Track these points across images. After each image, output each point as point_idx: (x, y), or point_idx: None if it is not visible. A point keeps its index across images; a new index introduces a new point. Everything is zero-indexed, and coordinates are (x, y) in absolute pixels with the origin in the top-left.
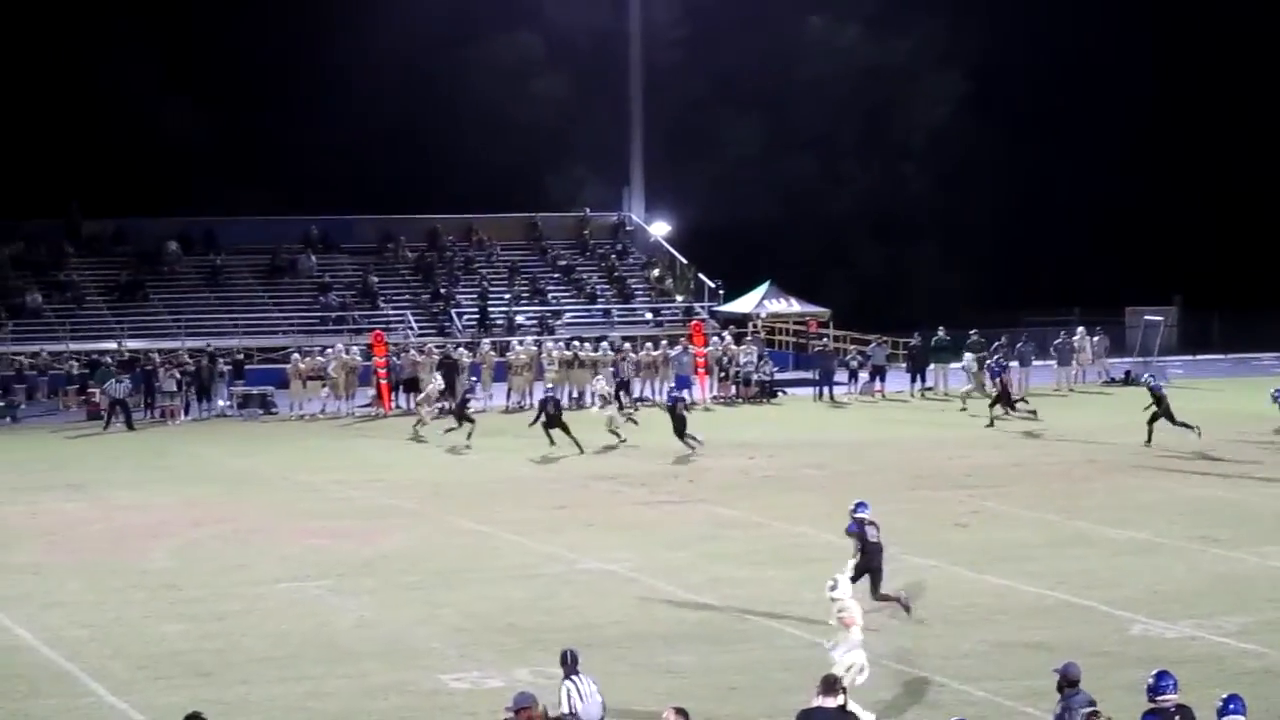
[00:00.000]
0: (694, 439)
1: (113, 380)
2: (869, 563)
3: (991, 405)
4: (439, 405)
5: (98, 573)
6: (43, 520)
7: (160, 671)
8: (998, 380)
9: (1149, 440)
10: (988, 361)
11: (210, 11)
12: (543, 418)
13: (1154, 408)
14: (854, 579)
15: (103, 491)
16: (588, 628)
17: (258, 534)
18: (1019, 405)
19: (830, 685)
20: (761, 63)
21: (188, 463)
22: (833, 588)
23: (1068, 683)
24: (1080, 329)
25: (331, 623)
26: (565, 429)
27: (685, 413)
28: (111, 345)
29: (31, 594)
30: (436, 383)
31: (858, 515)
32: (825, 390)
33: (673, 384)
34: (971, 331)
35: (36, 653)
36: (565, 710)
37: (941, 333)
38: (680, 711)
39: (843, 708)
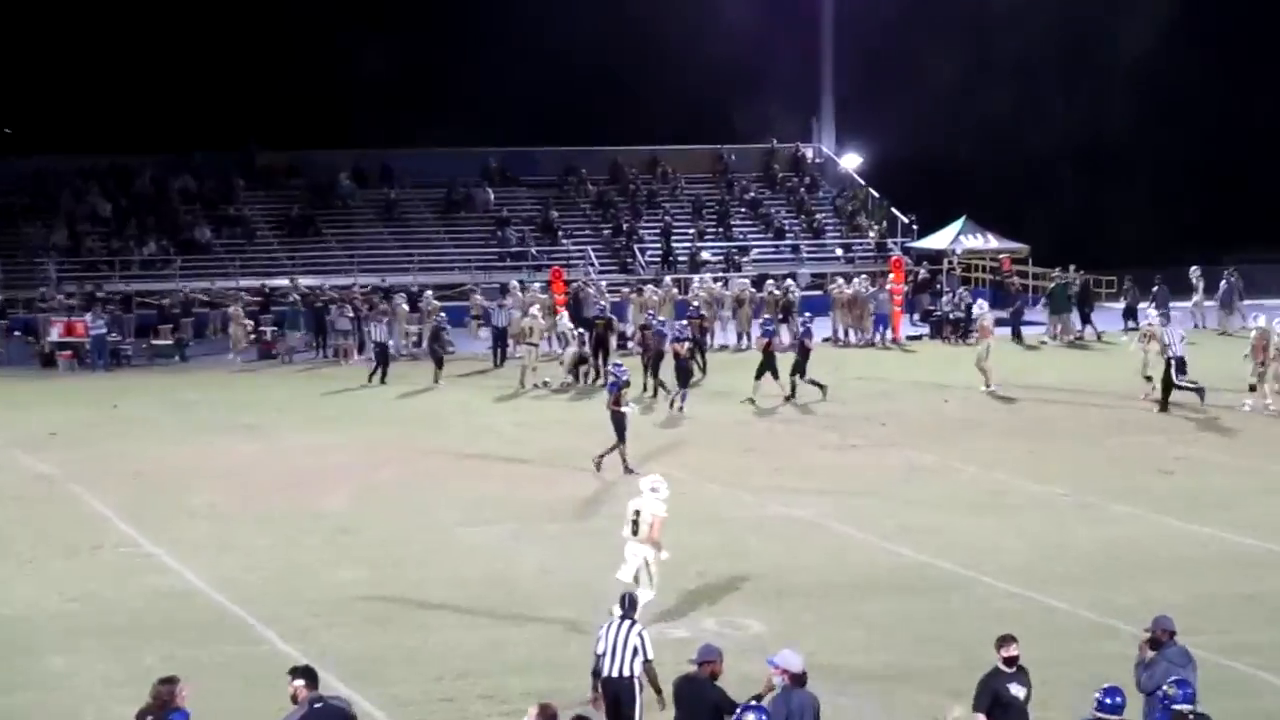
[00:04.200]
0: (812, 383)
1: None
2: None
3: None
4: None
5: (272, 517)
6: (216, 462)
7: (335, 618)
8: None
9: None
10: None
11: None
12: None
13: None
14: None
15: (277, 433)
16: (776, 576)
17: (436, 477)
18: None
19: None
20: None
21: (363, 403)
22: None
23: (1166, 635)
24: (1194, 268)
25: (512, 568)
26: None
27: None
28: (283, 282)
29: (205, 538)
30: (537, 320)
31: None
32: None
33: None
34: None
35: (210, 598)
36: None
37: (1070, 274)
38: None
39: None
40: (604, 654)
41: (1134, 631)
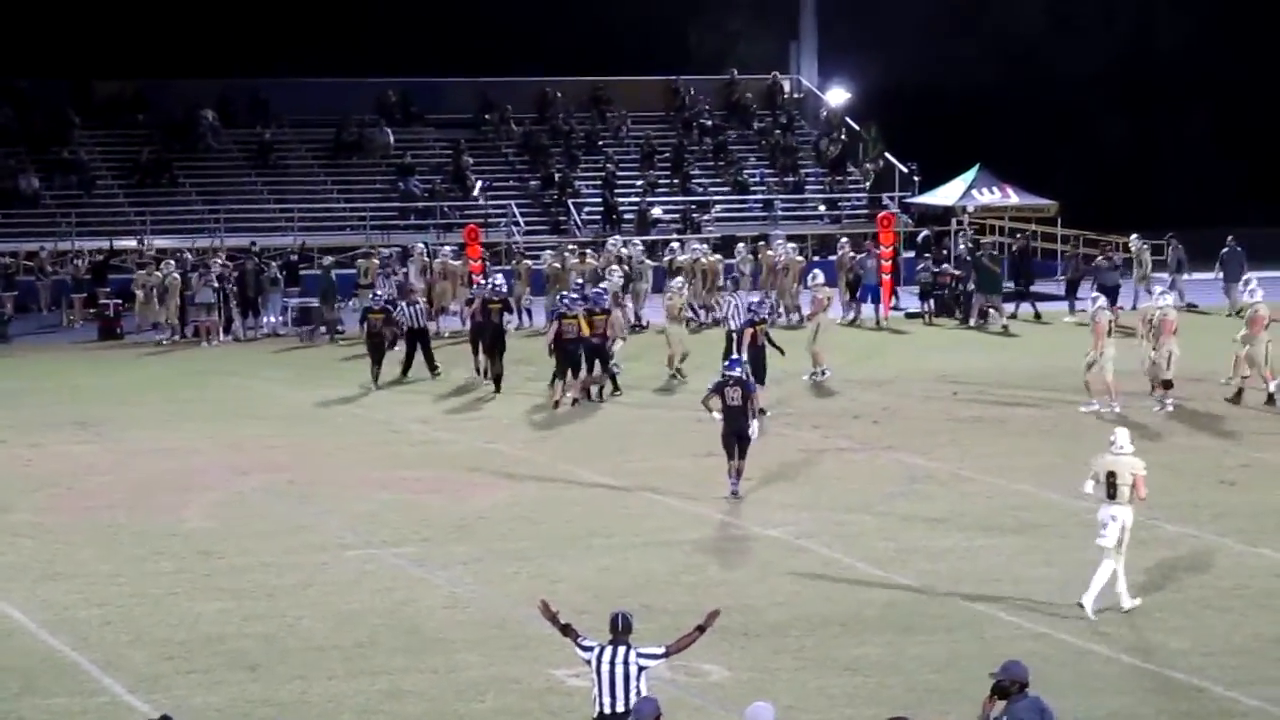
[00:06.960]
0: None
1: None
2: (728, 427)
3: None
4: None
5: (114, 536)
6: (44, 468)
7: (194, 663)
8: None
9: None
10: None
11: None
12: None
13: None
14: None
15: (121, 431)
16: (743, 611)
17: (319, 487)
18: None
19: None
20: None
21: (229, 395)
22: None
23: (1016, 686)
24: (1169, 235)
25: (414, 601)
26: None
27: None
28: (129, 243)
29: (29, 563)
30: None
31: (728, 373)
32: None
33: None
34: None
35: (34, 639)
36: None
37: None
38: None
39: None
40: (599, 690)
41: (1188, 681)
